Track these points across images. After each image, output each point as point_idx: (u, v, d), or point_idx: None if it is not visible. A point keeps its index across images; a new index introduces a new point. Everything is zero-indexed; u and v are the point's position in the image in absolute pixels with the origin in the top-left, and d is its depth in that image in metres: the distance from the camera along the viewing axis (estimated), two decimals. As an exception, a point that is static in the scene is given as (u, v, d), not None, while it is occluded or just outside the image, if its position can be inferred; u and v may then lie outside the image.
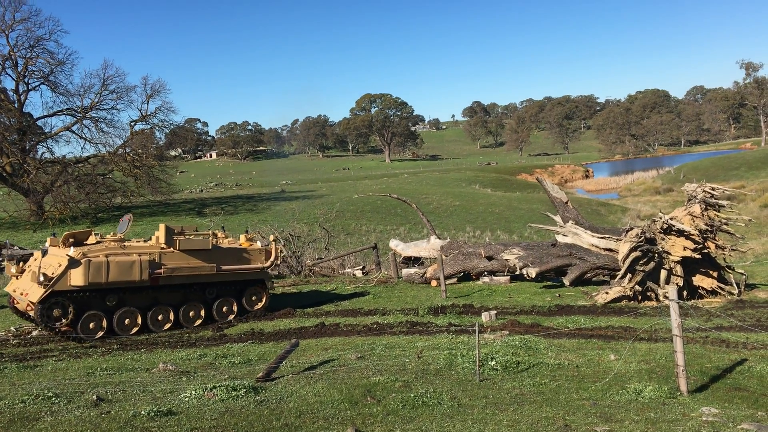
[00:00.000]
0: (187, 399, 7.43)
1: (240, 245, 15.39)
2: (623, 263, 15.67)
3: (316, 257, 25.63)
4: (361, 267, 24.17)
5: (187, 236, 14.68)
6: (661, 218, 16.38)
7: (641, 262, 15.91)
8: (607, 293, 15.86)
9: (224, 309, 15.09)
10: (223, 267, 14.69)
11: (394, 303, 16.63)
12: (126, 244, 13.99)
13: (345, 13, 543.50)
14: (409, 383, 8.19)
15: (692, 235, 16.11)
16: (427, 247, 20.92)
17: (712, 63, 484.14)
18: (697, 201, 16.66)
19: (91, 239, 14.28)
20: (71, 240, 13.93)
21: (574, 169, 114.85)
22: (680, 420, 6.60)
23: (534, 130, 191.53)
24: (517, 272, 17.52)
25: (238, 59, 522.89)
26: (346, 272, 23.92)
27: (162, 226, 14.31)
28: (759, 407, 7.25)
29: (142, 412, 6.75)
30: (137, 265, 13.41)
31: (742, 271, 17.50)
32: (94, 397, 7.49)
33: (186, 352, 11.33)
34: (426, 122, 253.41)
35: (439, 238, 21.69)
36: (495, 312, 14.24)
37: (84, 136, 47.75)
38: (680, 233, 16.31)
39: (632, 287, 15.67)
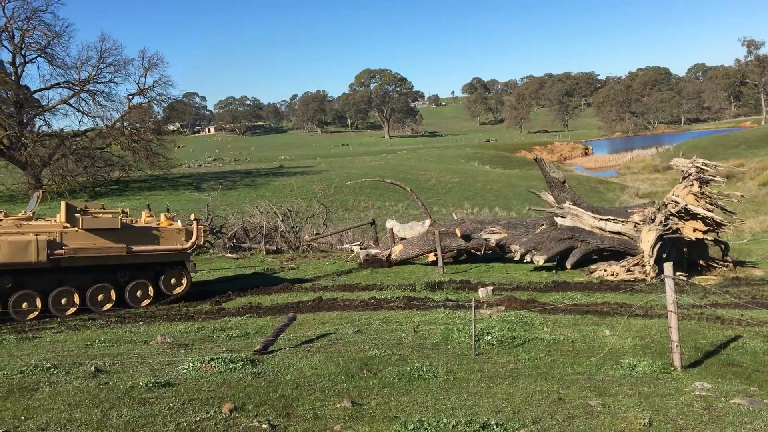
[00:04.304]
0: (185, 371, 7.48)
1: (158, 225, 14.42)
2: (652, 252, 15.46)
3: (314, 233, 25.66)
4: (359, 243, 24.21)
5: (93, 215, 13.59)
6: (677, 203, 16.15)
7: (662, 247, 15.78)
8: (605, 270, 15.88)
9: (138, 293, 14.07)
10: (135, 248, 13.67)
11: (392, 278, 16.69)
12: (24, 223, 13.05)
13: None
14: (405, 357, 8.25)
15: (707, 217, 16.02)
16: (422, 229, 20.66)
17: (713, 40, 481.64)
18: (692, 178, 16.61)
19: None
20: None
21: (573, 146, 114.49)
22: (673, 394, 6.67)
23: (534, 107, 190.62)
24: (516, 258, 16.83)
25: (236, 33, 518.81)
26: (344, 248, 23.96)
27: (63, 204, 13.44)
28: (752, 383, 7.31)
29: (140, 383, 6.80)
30: (33, 246, 12.46)
31: (724, 240, 17.39)
32: (93, 368, 7.53)
33: (184, 325, 11.39)
34: (425, 98, 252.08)
35: (434, 221, 21.40)
36: (492, 288, 14.31)
37: (81, 109, 47.36)
38: (694, 216, 16.17)
39: (656, 273, 15.48)
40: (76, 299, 13.27)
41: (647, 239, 15.76)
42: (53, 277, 13.10)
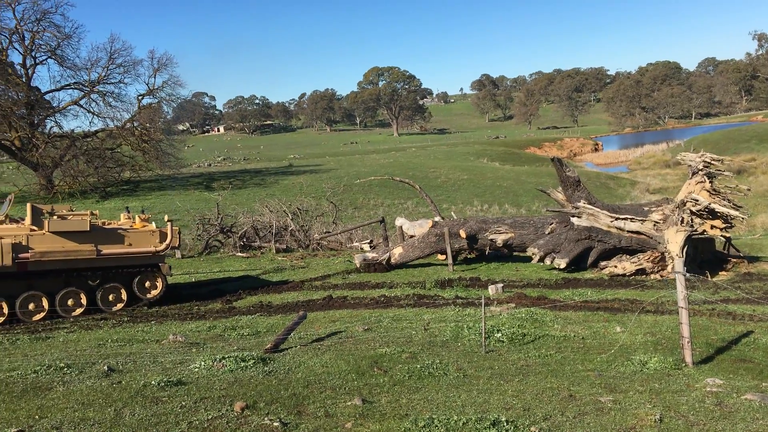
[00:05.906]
0: (196, 369, 7.53)
1: (132, 227, 14.02)
2: (682, 252, 15.33)
3: (324, 231, 25.71)
4: (368, 241, 24.23)
5: (60, 217, 13.24)
6: (697, 202, 15.93)
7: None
8: (615, 267, 15.79)
9: (111, 297, 13.67)
10: (105, 251, 13.30)
11: (401, 276, 16.70)
12: None
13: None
14: (415, 355, 8.27)
15: (729, 215, 15.89)
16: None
17: (724, 34, 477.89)
18: (702, 174, 16.46)
19: None
20: None
21: (583, 142, 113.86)
22: (684, 390, 6.65)
23: (543, 103, 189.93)
24: (535, 261, 16.65)
25: (245, 33, 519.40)
26: (353, 246, 24.00)
27: (28, 206, 13.12)
28: (764, 378, 7.29)
29: (153, 382, 6.86)
30: None
31: (728, 235, 17.20)
32: (105, 367, 7.60)
33: (195, 324, 11.46)
34: (434, 96, 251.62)
35: (444, 219, 21.28)
36: (502, 285, 14.29)
37: (92, 110, 47.64)
38: (713, 214, 16.01)
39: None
40: (45, 304, 12.95)
41: (675, 240, 15.46)
42: (21, 282, 12.80)
